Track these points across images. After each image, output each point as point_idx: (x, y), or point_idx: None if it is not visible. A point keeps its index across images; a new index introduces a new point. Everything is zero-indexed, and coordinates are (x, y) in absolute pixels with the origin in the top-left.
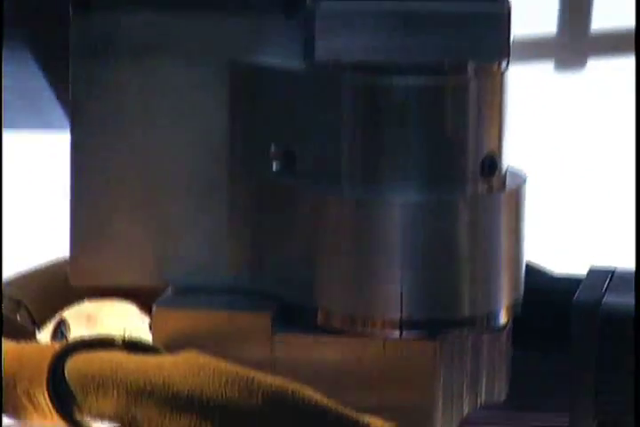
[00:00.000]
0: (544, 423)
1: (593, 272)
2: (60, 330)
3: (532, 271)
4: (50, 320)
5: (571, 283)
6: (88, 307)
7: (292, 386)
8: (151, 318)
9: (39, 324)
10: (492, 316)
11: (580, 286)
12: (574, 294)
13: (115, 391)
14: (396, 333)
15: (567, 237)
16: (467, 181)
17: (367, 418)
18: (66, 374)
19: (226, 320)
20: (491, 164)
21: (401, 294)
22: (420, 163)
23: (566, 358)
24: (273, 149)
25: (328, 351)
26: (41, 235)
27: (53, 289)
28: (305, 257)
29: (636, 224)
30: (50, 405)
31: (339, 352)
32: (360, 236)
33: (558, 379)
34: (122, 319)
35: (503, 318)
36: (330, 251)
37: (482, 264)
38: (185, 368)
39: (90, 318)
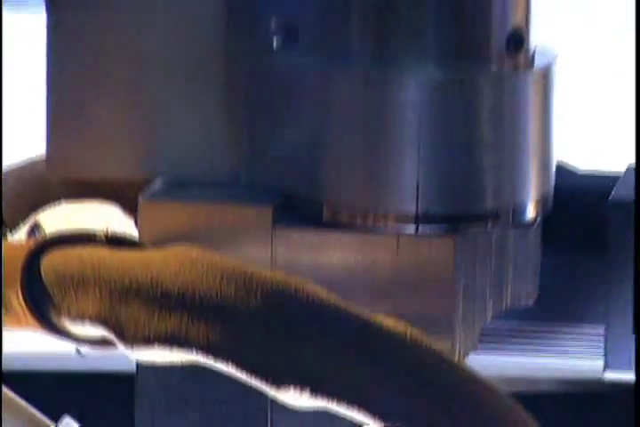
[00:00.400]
0: (577, 336)
1: (630, 171)
2: (34, 234)
3: (564, 170)
4: (23, 223)
5: (605, 181)
6: (65, 209)
7: (294, 282)
8: (137, 214)
9: (11, 227)
10: (519, 210)
11: (617, 185)
12: (610, 193)
13: (96, 290)
14: (411, 228)
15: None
16: (491, 57)
17: (379, 318)
18: (41, 273)
19: (221, 214)
20: (517, 39)
21: (417, 184)
22: (438, 36)
23: (601, 259)
24: (273, 23)
25: (335, 250)
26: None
27: (27, 190)
28: (310, 145)
29: (635, 225)
30: (24, 307)
31: (347, 251)
32: (371, 118)
33: (593, 283)
34: (103, 223)
35: (531, 213)
36: (337, 137)
37: (507, 151)
38: (175, 264)
39: (67, 222)
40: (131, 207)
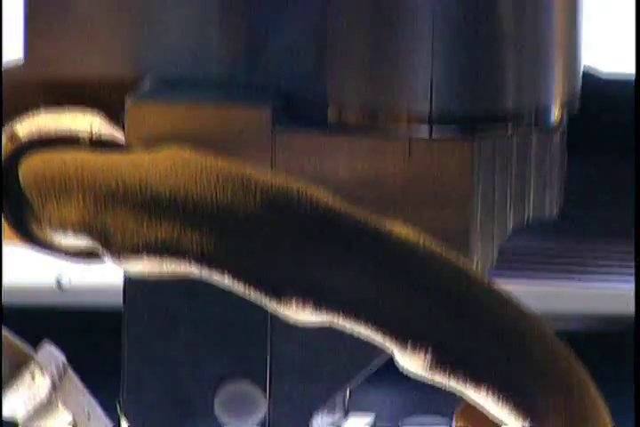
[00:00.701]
0: (605, 255)
1: None
2: None
3: (591, 75)
4: None
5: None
6: (44, 118)
7: (297, 185)
8: (123, 122)
9: None
10: (543, 111)
11: None
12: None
13: (80, 196)
14: (425, 130)
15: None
16: None
17: (390, 224)
18: (20, 179)
19: (216, 116)
20: None
21: (430, 81)
22: None
23: (630, 167)
24: None
25: (340, 154)
26: None
27: (2, 98)
28: (314, 39)
29: (635, 223)
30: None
31: (354, 155)
32: (382, 8)
33: (621, 195)
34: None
35: (556, 115)
36: (344, 29)
37: (530, 45)
38: (166, 166)
39: (47, 131)
40: (116, 115)
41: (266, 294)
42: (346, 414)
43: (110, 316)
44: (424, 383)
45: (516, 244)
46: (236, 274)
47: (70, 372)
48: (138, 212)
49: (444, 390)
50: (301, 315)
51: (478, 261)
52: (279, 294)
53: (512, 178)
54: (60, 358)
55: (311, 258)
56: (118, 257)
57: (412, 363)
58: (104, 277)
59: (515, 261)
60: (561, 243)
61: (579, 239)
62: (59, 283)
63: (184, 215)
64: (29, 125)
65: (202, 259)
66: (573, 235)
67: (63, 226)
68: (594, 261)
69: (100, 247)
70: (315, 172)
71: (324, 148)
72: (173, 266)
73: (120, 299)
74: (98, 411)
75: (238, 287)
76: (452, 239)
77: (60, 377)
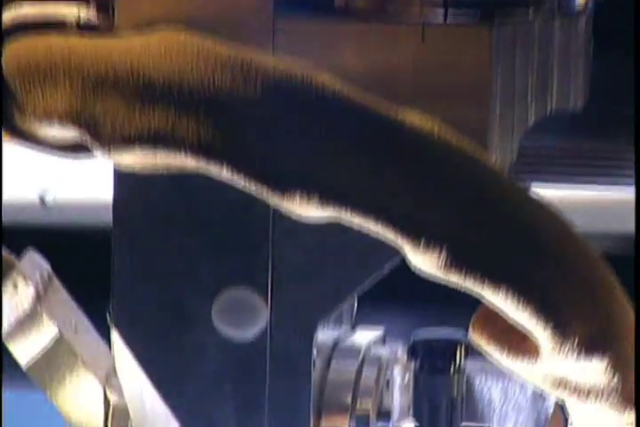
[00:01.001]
0: (629, 156)
1: None
2: None
3: None
4: None
5: None
6: (27, 6)
7: (301, 71)
8: (114, 5)
9: None
10: None
11: None
12: None
13: (67, 83)
14: (440, 14)
15: None
16: None
17: (402, 112)
18: (2, 65)
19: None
20: None
21: None
22: None
23: None
24: None
25: (348, 41)
26: None
27: None
28: None
29: (635, 224)
30: None
31: (363, 42)
32: None
33: None
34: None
35: (580, 0)
36: None
37: None
38: (159, 49)
39: (31, 16)
40: (105, 4)
41: (268, 187)
42: (353, 327)
43: (97, 233)
44: (436, 295)
45: (534, 144)
46: (236, 165)
47: (56, 281)
48: (129, 99)
49: (458, 303)
50: (306, 209)
51: (497, 157)
52: (282, 186)
53: (534, 67)
54: (45, 266)
55: (316, 147)
56: (108, 149)
57: (425, 262)
58: (90, 193)
59: (534, 163)
60: (577, 142)
61: (598, 139)
62: (42, 200)
63: (179, 103)
64: (11, 12)
65: (199, 149)
66: (594, 133)
67: (49, 116)
68: (611, 162)
69: (88, 138)
70: (320, 61)
71: (330, 34)
72: (168, 158)
73: (106, 216)
74: (85, 323)
75: (238, 180)
76: (468, 133)
77: (45, 287)
